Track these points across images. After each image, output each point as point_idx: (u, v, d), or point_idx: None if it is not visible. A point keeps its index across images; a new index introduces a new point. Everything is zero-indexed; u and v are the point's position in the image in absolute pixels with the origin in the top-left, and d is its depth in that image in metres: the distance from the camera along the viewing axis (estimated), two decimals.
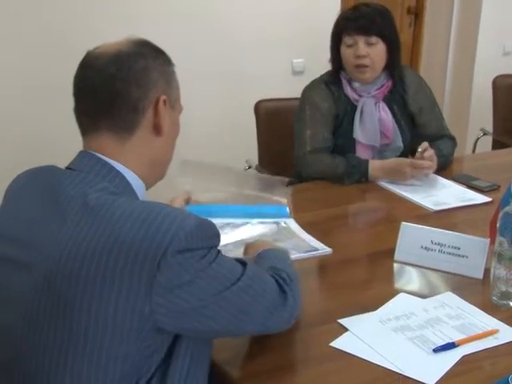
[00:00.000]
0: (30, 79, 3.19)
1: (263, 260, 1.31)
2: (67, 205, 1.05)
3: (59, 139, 3.27)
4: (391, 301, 1.44)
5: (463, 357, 1.25)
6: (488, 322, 1.37)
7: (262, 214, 1.83)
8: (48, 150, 3.18)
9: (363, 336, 1.30)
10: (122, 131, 1.12)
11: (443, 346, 1.27)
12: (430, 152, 2.21)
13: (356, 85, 2.35)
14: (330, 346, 1.28)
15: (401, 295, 1.47)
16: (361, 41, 2.26)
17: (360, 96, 2.35)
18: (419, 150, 2.21)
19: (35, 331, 1.03)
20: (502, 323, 1.37)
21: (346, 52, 2.31)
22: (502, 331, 1.34)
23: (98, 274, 0.98)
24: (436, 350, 1.26)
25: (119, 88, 1.10)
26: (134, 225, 0.99)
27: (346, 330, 1.33)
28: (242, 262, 1.15)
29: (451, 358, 1.25)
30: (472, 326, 1.36)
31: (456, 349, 1.27)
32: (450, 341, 1.29)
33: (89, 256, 0.99)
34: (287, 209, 1.84)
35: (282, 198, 1.84)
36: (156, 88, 1.13)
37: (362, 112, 2.33)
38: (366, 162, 2.24)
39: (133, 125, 1.12)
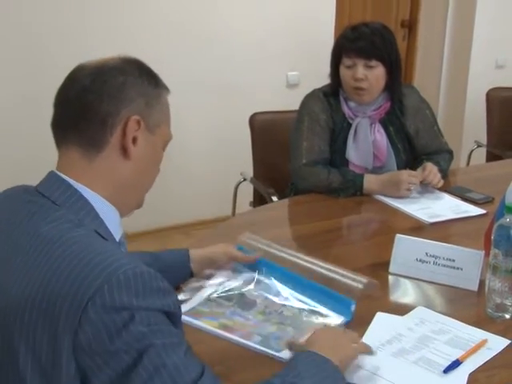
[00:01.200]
0: (23, 91, 3.20)
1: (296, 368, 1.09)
2: (19, 240, 1.01)
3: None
4: (373, 323, 1.41)
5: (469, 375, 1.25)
6: (471, 332, 1.38)
7: (321, 298, 1.46)
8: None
9: (367, 366, 1.25)
10: (90, 147, 1.06)
11: (450, 365, 1.26)
12: (434, 170, 2.24)
13: (352, 104, 2.33)
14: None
15: (378, 315, 1.44)
16: (360, 63, 2.24)
17: (355, 115, 2.34)
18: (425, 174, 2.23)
19: None
20: (485, 332, 1.38)
21: (344, 73, 2.29)
22: (490, 340, 1.34)
23: (30, 325, 0.92)
24: (446, 371, 1.24)
25: (90, 100, 1.05)
26: (64, 271, 0.92)
27: None
28: (203, 368, 0.98)
29: (462, 376, 1.24)
30: (460, 338, 1.36)
31: (462, 366, 1.26)
32: (452, 358, 1.28)
33: (22, 306, 0.94)
34: (352, 308, 1.42)
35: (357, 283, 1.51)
36: (130, 106, 1.07)
37: (355, 132, 2.32)
38: (361, 176, 2.24)
39: (100, 141, 1.06)
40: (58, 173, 1.08)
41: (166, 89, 1.16)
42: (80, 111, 1.06)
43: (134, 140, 1.08)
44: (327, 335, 1.24)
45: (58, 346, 0.91)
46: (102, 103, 1.05)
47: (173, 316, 0.98)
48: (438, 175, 2.25)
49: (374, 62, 2.24)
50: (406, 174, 2.20)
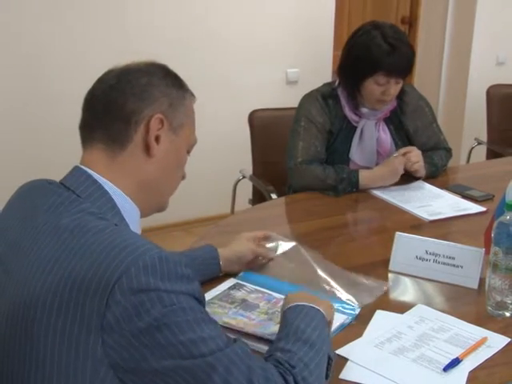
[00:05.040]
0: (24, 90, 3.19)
1: (286, 325, 1.15)
2: (42, 231, 1.03)
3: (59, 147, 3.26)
4: (372, 321, 1.40)
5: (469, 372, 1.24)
6: (471, 330, 1.38)
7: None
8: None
9: (367, 364, 1.25)
10: (114, 144, 1.10)
11: (450, 363, 1.25)
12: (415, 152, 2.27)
13: (364, 110, 2.30)
14: (340, 379, 1.21)
15: (378, 313, 1.44)
16: (393, 81, 2.21)
17: (360, 117, 2.32)
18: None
19: (3, 358, 1.00)
20: (485, 330, 1.37)
21: (373, 87, 2.22)
22: (490, 338, 1.34)
23: (53, 308, 0.94)
24: (446, 369, 1.24)
25: (115, 98, 1.10)
26: (90, 257, 0.94)
27: (345, 359, 1.26)
28: (234, 338, 1.02)
29: (461, 374, 1.23)
30: (460, 336, 1.35)
31: (462, 364, 1.26)
32: (452, 356, 1.27)
33: (45, 289, 0.95)
34: (357, 311, 1.43)
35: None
36: (154, 106, 1.10)
37: (361, 133, 2.31)
38: (356, 171, 2.24)
39: (124, 138, 1.09)
40: (84, 167, 1.11)
41: (191, 93, 1.20)
42: (105, 108, 1.10)
43: (157, 138, 1.11)
44: (301, 294, 1.27)
45: (83, 330, 0.92)
46: (126, 101, 1.09)
47: (197, 302, 0.99)
48: (418, 158, 2.26)
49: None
50: (397, 162, 2.22)
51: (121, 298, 0.90)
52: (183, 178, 1.23)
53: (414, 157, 2.26)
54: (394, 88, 2.23)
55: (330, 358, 1.14)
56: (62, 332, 0.93)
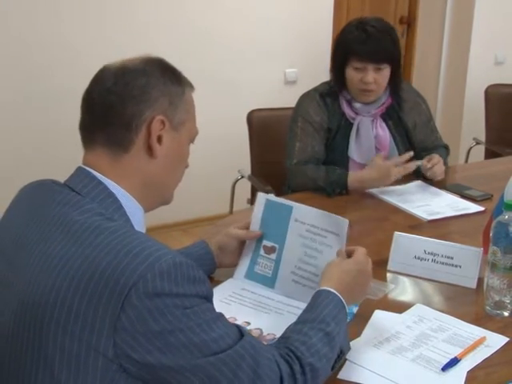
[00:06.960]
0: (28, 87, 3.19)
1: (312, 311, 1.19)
2: (51, 227, 1.02)
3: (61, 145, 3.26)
4: (371, 321, 1.40)
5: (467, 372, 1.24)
6: (470, 329, 1.38)
7: None
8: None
9: (366, 364, 1.25)
10: (116, 147, 1.09)
11: (449, 363, 1.25)
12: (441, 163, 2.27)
13: (357, 105, 2.31)
14: (339, 379, 1.21)
15: (377, 313, 1.44)
16: (370, 67, 2.20)
17: (357, 114, 2.33)
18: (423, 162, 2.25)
19: (10, 355, 0.99)
20: (483, 329, 1.37)
21: (352, 74, 2.25)
22: (489, 338, 1.34)
23: (63, 308, 0.94)
24: (444, 369, 1.24)
25: (113, 102, 1.08)
26: (103, 260, 0.94)
27: (344, 359, 1.25)
28: (240, 330, 1.04)
29: (460, 374, 1.23)
30: (458, 336, 1.35)
31: (460, 363, 1.26)
32: (451, 356, 1.27)
33: (55, 288, 0.95)
34: (355, 310, 1.44)
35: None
36: (154, 107, 1.09)
37: (358, 130, 2.31)
38: (346, 175, 2.22)
39: (126, 142, 1.09)
40: (87, 168, 1.10)
41: (189, 86, 1.19)
42: (104, 114, 1.09)
43: (159, 139, 1.11)
44: (346, 274, 1.31)
45: (95, 331, 0.92)
46: (125, 106, 1.08)
47: (208, 301, 1.03)
48: (442, 168, 2.27)
49: (383, 65, 2.23)
50: (393, 167, 2.18)
51: (137, 302, 0.91)
52: (186, 167, 1.24)
53: (439, 169, 2.26)
54: (372, 75, 2.22)
55: (341, 352, 1.19)
56: (73, 333, 0.93)
